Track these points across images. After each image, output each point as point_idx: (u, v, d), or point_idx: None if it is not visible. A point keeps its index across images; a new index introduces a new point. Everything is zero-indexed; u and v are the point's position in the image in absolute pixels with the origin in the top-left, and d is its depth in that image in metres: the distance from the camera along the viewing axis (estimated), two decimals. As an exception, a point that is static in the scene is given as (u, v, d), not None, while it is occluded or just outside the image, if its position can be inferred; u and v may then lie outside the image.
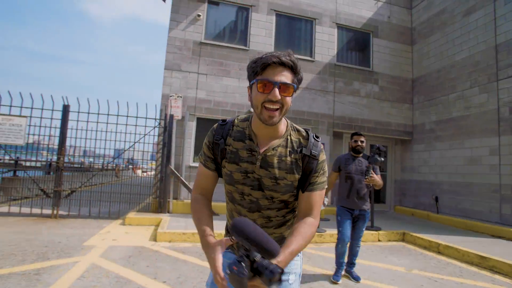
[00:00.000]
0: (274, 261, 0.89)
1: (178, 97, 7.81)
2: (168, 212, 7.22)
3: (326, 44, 9.34)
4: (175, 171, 7.37)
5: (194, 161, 8.03)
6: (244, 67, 8.53)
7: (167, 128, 7.34)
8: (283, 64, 1.10)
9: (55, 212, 6.55)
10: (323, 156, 1.24)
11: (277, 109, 1.11)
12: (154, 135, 7.52)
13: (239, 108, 8.35)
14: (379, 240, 6.17)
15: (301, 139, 1.25)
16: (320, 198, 1.23)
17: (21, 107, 6.76)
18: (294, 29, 9.26)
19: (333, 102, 9.14)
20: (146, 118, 7.31)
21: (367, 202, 3.89)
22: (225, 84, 8.33)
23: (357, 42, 9.89)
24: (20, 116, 6.72)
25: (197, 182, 1.31)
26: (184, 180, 7.37)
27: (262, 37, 8.77)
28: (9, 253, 4.09)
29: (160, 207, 7.17)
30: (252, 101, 1.15)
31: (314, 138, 1.25)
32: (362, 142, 3.90)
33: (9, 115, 6.66)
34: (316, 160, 1.21)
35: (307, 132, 1.27)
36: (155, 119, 7.32)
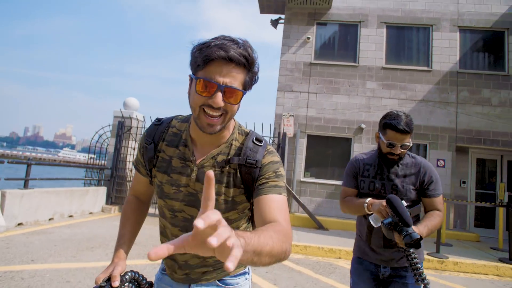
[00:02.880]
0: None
1: (290, 116, 8.45)
2: (282, 223, 7.83)
3: (446, 50, 8.57)
4: (287, 186, 7.98)
5: (304, 176, 8.50)
6: (353, 83, 8.62)
7: (281, 145, 8.03)
8: (231, 60, 0.85)
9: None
10: (269, 158, 0.99)
11: (219, 116, 0.90)
12: (269, 152, 8.32)
13: (349, 124, 8.45)
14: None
15: (242, 146, 1.01)
16: (281, 203, 0.91)
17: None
18: (407, 39, 8.82)
19: (456, 114, 8.29)
20: (262, 136, 8.17)
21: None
22: (334, 102, 8.57)
23: (486, 44, 8.72)
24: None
25: (132, 184, 1.22)
26: (295, 194, 7.90)
27: (372, 52, 8.68)
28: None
29: (275, 217, 7.85)
30: (190, 101, 0.93)
31: (253, 142, 1.00)
32: (404, 148, 1.71)
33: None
34: (256, 168, 0.96)
35: (247, 135, 1.03)
36: (270, 137, 8.11)
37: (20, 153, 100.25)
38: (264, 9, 9.93)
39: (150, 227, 5.41)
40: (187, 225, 1.01)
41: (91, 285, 3.25)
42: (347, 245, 5.77)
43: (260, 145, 1.01)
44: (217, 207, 0.90)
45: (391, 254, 1.75)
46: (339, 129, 8.45)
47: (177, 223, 1.02)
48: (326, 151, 8.65)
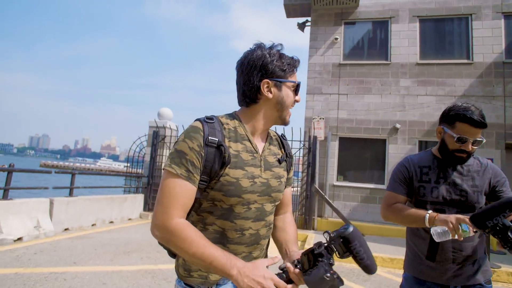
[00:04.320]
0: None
1: (320, 119, 8.29)
2: (313, 229, 7.66)
3: (489, 40, 7.92)
4: (319, 190, 7.80)
5: (337, 180, 8.26)
6: (386, 82, 8.27)
7: (311, 148, 7.89)
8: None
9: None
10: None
11: None
12: (299, 156, 8.22)
13: (383, 125, 8.09)
14: None
15: (277, 136, 1.25)
16: (291, 194, 1.31)
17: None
18: (443, 32, 8.31)
19: (504, 108, 7.60)
20: (292, 140, 8.09)
21: (484, 265, 1.56)
22: (366, 102, 8.27)
23: (536, 30, 7.94)
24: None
25: (177, 201, 0.96)
26: (328, 199, 7.69)
27: (405, 48, 8.28)
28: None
29: (306, 223, 7.70)
30: (281, 100, 1.11)
31: (283, 138, 1.27)
32: (476, 144, 1.48)
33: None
34: (291, 158, 1.25)
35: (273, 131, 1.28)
36: (300, 141, 8.01)
37: (72, 164, 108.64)
38: (290, 13, 9.91)
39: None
40: (259, 215, 1.09)
41: (125, 288, 3.41)
42: (384, 251, 5.49)
43: (286, 140, 1.29)
44: (282, 188, 1.16)
45: (463, 269, 1.50)
46: (372, 130, 8.12)
47: (250, 215, 1.07)
48: (359, 154, 8.35)
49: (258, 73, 1.08)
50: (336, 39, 8.65)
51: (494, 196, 1.49)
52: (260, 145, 1.14)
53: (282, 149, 1.22)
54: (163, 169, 1.02)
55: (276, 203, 1.17)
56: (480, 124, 1.40)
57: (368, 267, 0.87)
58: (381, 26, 8.64)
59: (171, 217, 0.95)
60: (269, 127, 1.16)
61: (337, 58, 8.64)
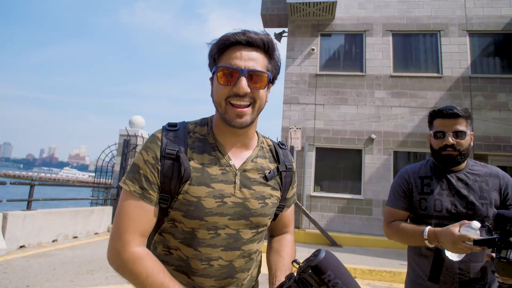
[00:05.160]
0: None
1: (297, 128, 8.25)
2: (293, 239, 7.50)
3: (456, 55, 8.31)
4: (297, 201, 7.68)
5: (314, 191, 8.19)
6: (361, 93, 8.40)
7: (289, 159, 7.79)
8: (251, 44, 0.82)
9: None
10: (294, 165, 1.06)
11: (248, 105, 0.84)
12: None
13: (359, 135, 8.18)
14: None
15: (272, 146, 1.02)
16: (293, 213, 1.09)
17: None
18: (415, 46, 8.62)
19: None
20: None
21: None
22: (343, 112, 8.34)
23: (498, 47, 8.43)
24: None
25: (132, 225, 0.80)
26: (305, 210, 7.58)
27: (379, 60, 8.49)
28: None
29: (285, 234, 7.53)
30: (213, 97, 0.87)
31: (280, 146, 1.03)
32: (459, 137, 1.37)
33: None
34: (291, 172, 1.01)
35: (269, 139, 1.05)
36: (277, 151, 7.89)
37: (36, 173, 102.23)
38: (267, 23, 9.93)
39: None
40: (232, 243, 0.88)
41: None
42: (363, 263, 5.41)
43: (287, 149, 1.04)
44: (267, 211, 0.92)
45: None
46: (349, 140, 8.18)
47: (219, 242, 0.86)
48: (336, 164, 8.36)
49: (208, 65, 0.90)
50: (313, 49, 8.73)
51: (506, 209, 1.34)
52: (238, 156, 0.92)
53: (276, 162, 0.98)
54: (120, 184, 0.86)
55: (260, 230, 0.93)
56: (451, 114, 1.34)
57: None
58: (356, 38, 8.83)
59: (126, 244, 0.79)
60: (231, 132, 0.91)
61: (313, 69, 8.70)
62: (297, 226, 7.86)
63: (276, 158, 0.99)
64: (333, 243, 7.02)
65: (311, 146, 8.30)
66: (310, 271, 0.68)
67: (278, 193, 0.96)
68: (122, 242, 0.79)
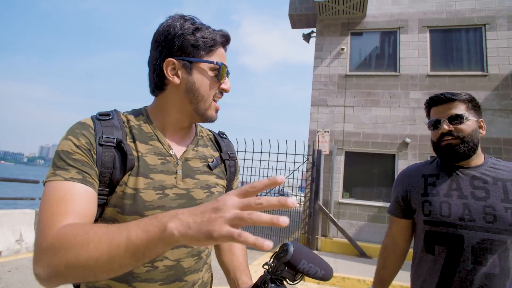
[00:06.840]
0: None
1: (325, 132, 7.89)
2: (316, 249, 7.13)
3: (505, 51, 7.50)
4: (324, 208, 7.31)
5: (343, 197, 7.76)
6: (394, 94, 7.87)
7: (315, 163, 7.45)
8: (227, 44, 0.88)
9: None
10: (237, 155, 1.04)
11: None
12: (302, 171, 7.80)
13: (392, 139, 7.64)
14: None
15: (211, 135, 1.01)
16: None
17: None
18: (455, 43, 7.92)
19: (523, 123, 7.10)
20: (295, 154, 7.70)
21: None
22: (374, 115, 7.85)
23: (555, 42, 7.51)
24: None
25: (67, 208, 0.63)
26: (333, 217, 7.19)
27: (415, 59, 7.91)
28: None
29: (309, 243, 7.18)
30: (192, 87, 0.81)
31: (220, 135, 1.02)
32: (456, 122, 1.15)
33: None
34: (234, 161, 1.00)
35: (207, 129, 1.03)
36: (303, 155, 7.60)
37: None
38: (295, 24, 9.69)
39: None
40: None
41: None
42: (397, 278, 4.96)
43: (227, 138, 1.03)
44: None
45: None
46: (381, 144, 7.67)
47: None
48: (366, 169, 7.87)
49: (162, 49, 0.81)
50: (343, 49, 8.34)
51: None
52: (178, 146, 0.88)
53: (218, 151, 0.96)
54: (44, 185, 0.69)
55: None
56: (443, 99, 1.14)
57: (324, 277, 0.75)
58: (390, 36, 8.30)
59: (54, 225, 0.59)
60: (189, 123, 0.89)
61: (343, 69, 8.30)
62: (324, 234, 7.48)
63: (218, 147, 0.98)
64: (362, 254, 6.57)
65: (339, 150, 7.89)
66: (286, 268, 0.72)
67: (223, 182, 0.94)
68: (49, 226, 0.59)
